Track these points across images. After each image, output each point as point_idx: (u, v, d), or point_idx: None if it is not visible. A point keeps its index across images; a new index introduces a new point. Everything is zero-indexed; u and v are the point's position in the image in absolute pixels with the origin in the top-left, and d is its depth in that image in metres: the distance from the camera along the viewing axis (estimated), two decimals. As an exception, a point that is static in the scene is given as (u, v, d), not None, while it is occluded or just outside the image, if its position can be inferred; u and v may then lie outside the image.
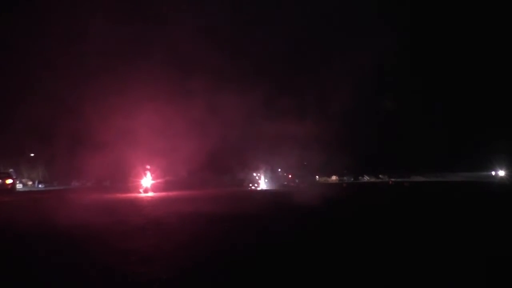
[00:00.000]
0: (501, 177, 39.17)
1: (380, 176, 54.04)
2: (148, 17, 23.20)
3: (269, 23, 25.68)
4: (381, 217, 9.84)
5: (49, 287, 4.03)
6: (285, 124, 23.10)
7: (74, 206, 14.03)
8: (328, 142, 25.43)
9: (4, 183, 25.00)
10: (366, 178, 53.86)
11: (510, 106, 34.06)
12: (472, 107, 36.18)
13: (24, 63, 21.33)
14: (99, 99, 20.25)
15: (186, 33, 21.25)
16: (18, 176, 36.30)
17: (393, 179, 45.39)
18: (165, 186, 26.46)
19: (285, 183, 37.69)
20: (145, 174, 24.89)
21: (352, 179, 52.10)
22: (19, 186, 34.67)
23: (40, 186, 42.09)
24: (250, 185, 33.08)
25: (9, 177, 26.11)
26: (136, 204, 14.75)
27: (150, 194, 22.65)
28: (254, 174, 33.52)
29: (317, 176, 49.97)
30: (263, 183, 32.20)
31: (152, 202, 16.14)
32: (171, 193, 21.99)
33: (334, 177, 53.09)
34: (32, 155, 40.76)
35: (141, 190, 23.99)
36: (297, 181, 39.82)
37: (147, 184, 24.84)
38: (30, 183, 43.80)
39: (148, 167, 24.81)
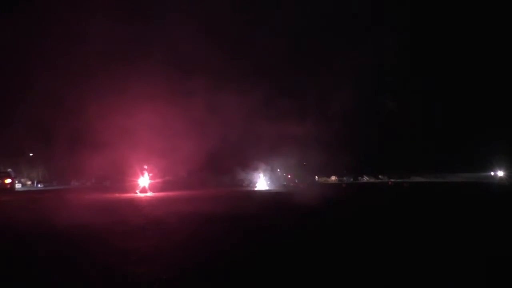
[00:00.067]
0: (501, 177, 39.16)
1: (380, 176, 54.01)
2: (148, 17, 23.24)
3: (269, 23, 25.73)
4: (380, 217, 9.84)
5: (49, 287, 4.03)
6: (284, 124, 23.16)
7: (73, 206, 14.02)
8: (327, 142, 25.47)
9: (3, 183, 24.92)
10: (365, 179, 53.84)
11: (510, 106, 34.06)
12: (472, 107, 36.19)
13: (24, 63, 21.35)
14: (99, 99, 20.27)
15: (186, 33, 21.30)
16: (18, 176, 36.25)
17: (392, 180, 45.32)
18: (165, 186, 26.41)
19: (285, 183, 37.70)
20: (144, 174, 24.87)
21: (352, 180, 52.08)
22: (18, 185, 34.64)
23: (39, 185, 42.02)
24: (250, 185, 33.08)
25: (8, 176, 26.02)
26: (136, 204, 14.73)
27: (150, 194, 22.63)
28: (254, 174, 33.51)
29: (316, 176, 50.00)
30: (262, 183, 32.19)
31: (152, 202, 16.13)
32: (170, 193, 21.97)
33: (333, 177, 53.09)
34: (31, 154, 40.67)
35: (140, 190, 23.96)
36: (296, 181, 39.86)
37: (146, 184, 24.82)
38: (29, 182, 43.71)
39: (147, 167, 24.79)
